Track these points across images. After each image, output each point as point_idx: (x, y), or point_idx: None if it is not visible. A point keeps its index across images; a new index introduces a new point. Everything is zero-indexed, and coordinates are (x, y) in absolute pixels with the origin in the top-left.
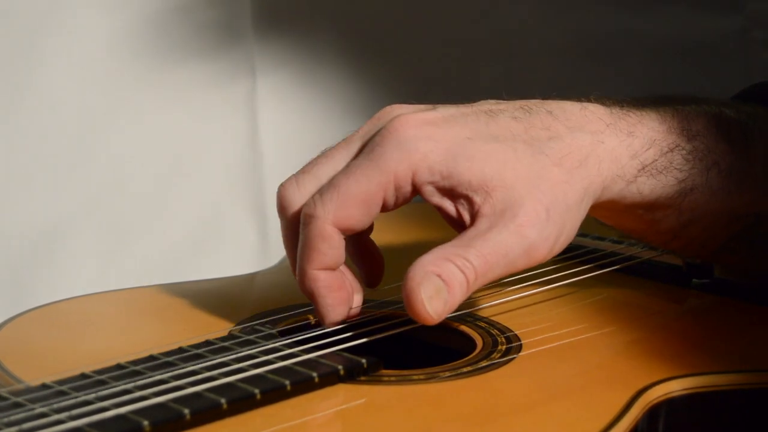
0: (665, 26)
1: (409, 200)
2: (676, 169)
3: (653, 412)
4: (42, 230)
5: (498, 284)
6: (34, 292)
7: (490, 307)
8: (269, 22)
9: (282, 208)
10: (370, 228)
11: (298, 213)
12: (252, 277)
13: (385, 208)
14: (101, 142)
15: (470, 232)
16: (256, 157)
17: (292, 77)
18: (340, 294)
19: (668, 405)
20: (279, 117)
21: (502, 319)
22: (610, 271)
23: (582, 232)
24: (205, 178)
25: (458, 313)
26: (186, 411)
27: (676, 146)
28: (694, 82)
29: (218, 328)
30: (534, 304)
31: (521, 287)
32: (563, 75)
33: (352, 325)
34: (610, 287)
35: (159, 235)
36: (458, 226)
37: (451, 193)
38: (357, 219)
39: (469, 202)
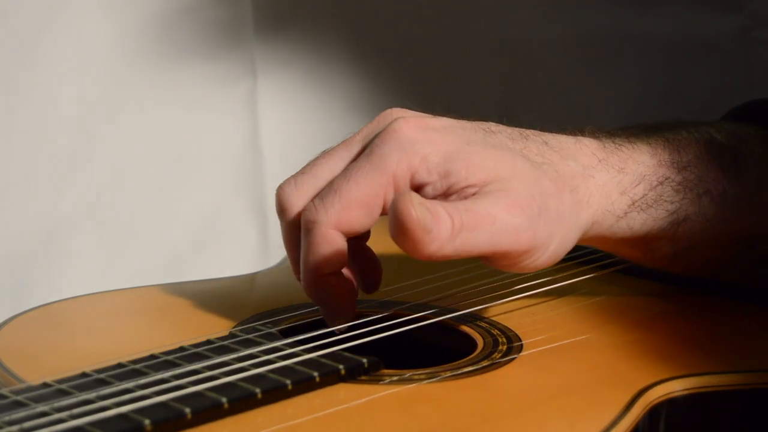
0: (665, 26)
1: None
2: (666, 201)
3: (654, 412)
4: (42, 230)
5: (499, 284)
6: (34, 292)
7: (491, 307)
8: (270, 22)
9: (282, 210)
10: (367, 234)
11: (298, 215)
12: (253, 277)
13: (385, 210)
14: (101, 142)
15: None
16: (256, 157)
17: (293, 77)
18: (344, 299)
19: (669, 405)
20: (279, 117)
21: (503, 320)
22: (611, 271)
23: None
24: (205, 177)
25: (459, 313)
26: (187, 410)
27: (666, 179)
28: (695, 82)
29: (219, 327)
30: (535, 304)
31: (522, 287)
32: (563, 75)
33: (353, 325)
34: (611, 288)
35: (159, 234)
36: None
37: (448, 191)
38: (359, 221)
39: (463, 192)
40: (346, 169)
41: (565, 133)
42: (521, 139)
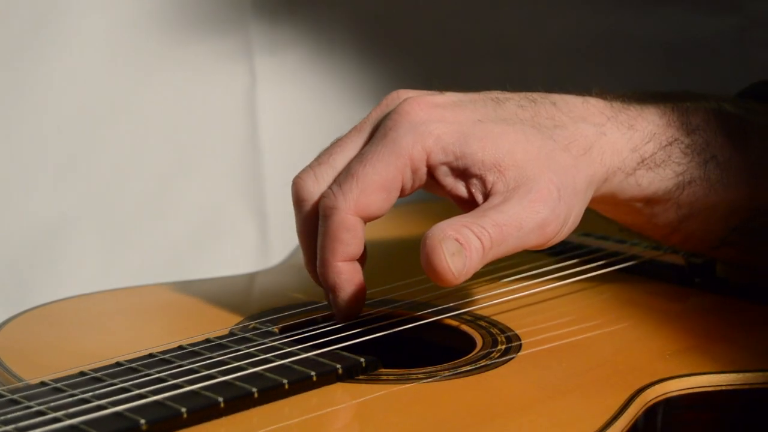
0: (664, 26)
1: (425, 183)
2: (674, 162)
3: (650, 413)
4: (43, 229)
5: (501, 283)
6: (35, 291)
7: (491, 306)
8: (269, 20)
9: (300, 200)
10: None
11: (316, 204)
12: (253, 276)
13: (402, 193)
14: (101, 142)
15: (485, 206)
16: (255, 156)
17: (292, 76)
18: (358, 289)
19: (666, 405)
20: (279, 116)
21: (503, 319)
22: (612, 270)
23: (585, 232)
24: (205, 177)
25: (459, 312)
26: (183, 409)
27: (675, 140)
28: (694, 82)
29: (219, 326)
30: (536, 303)
31: (523, 286)
32: (562, 75)
33: (352, 323)
34: (613, 287)
35: (159, 233)
36: (470, 207)
37: (464, 174)
38: (378, 205)
39: (482, 181)
40: (361, 154)
41: (573, 94)
42: (530, 104)
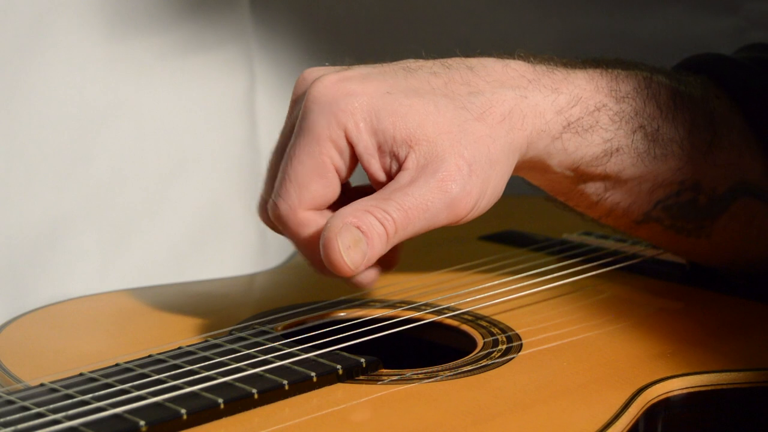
0: (662, 27)
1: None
2: (601, 128)
3: (652, 411)
4: (42, 230)
5: (502, 282)
6: (34, 291)
7: (492, 306)
8: (268, 22)
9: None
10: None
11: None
12: (253, 277)
13: (342, 175)
14: (101, 142)
15: (391, 186)
16: (254, 156)
17: (291, 76)
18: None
19: (667, 404)
20: (279, 116)
21: (504, 318)
22: (613, 269)
23: (586, 231)
24: (205, 177)
25: (461, 312)
26: (183, 411)
27: (603, 106)
28: None
29: (219, 328)
30: (537, 302)
31: (524, 286)
32: None
33: (353, 324)
34: (613, 286)
35: (159, 234)
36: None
37: (380, 151)
38: (321, 193)
39: (396, 158)
40: (286, 152)
41: (493, 57)
42: (444, 70)
